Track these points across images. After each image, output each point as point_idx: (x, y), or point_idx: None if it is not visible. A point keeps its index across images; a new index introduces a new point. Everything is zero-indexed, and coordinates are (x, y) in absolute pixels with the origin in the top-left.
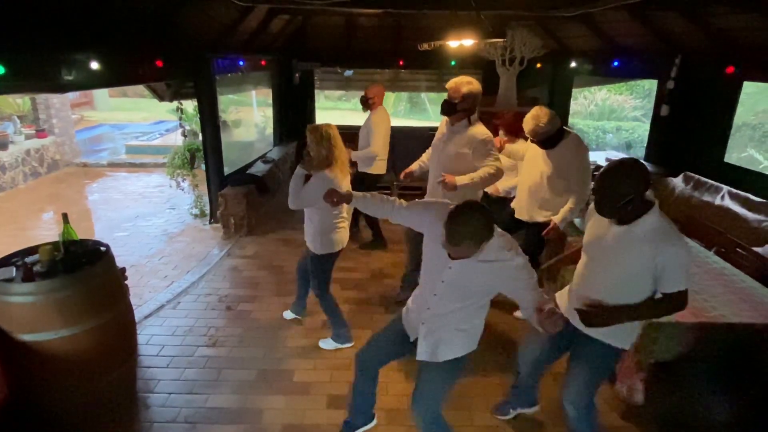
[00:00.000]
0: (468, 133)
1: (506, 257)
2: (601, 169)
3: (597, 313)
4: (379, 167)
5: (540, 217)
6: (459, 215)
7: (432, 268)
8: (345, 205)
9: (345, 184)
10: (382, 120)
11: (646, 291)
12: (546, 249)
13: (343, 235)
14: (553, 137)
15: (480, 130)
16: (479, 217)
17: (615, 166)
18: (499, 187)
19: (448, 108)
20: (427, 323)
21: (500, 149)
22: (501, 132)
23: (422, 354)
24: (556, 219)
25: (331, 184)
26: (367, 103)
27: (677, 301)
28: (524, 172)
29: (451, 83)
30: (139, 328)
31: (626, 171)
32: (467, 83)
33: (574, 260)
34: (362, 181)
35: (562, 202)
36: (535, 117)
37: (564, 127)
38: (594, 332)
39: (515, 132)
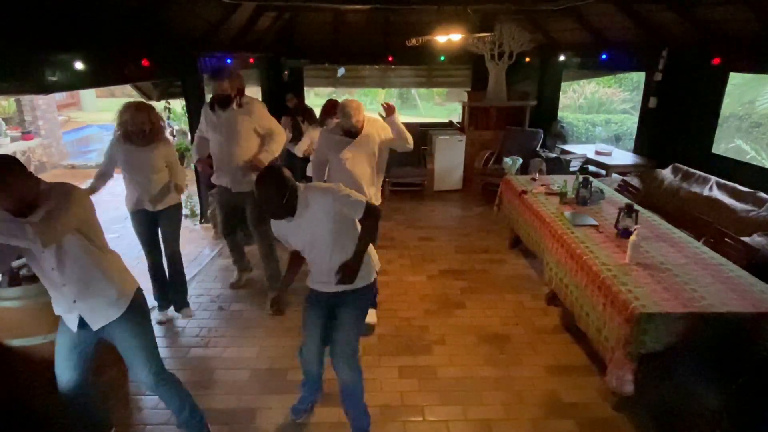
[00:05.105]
0: None
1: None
2: (255, 185)
3: (350, 268)
4: None
5: None
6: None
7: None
8: None
9: None
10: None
11: (352, 230)
12: None
13: None
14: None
15: None
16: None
17: (261, 176)
18: None
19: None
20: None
21: None
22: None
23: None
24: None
25: None
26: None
27: (368, 214)
28: None
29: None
30: None
31: (272, 174)
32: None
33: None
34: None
35: None
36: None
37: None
38: (350, 287)
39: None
